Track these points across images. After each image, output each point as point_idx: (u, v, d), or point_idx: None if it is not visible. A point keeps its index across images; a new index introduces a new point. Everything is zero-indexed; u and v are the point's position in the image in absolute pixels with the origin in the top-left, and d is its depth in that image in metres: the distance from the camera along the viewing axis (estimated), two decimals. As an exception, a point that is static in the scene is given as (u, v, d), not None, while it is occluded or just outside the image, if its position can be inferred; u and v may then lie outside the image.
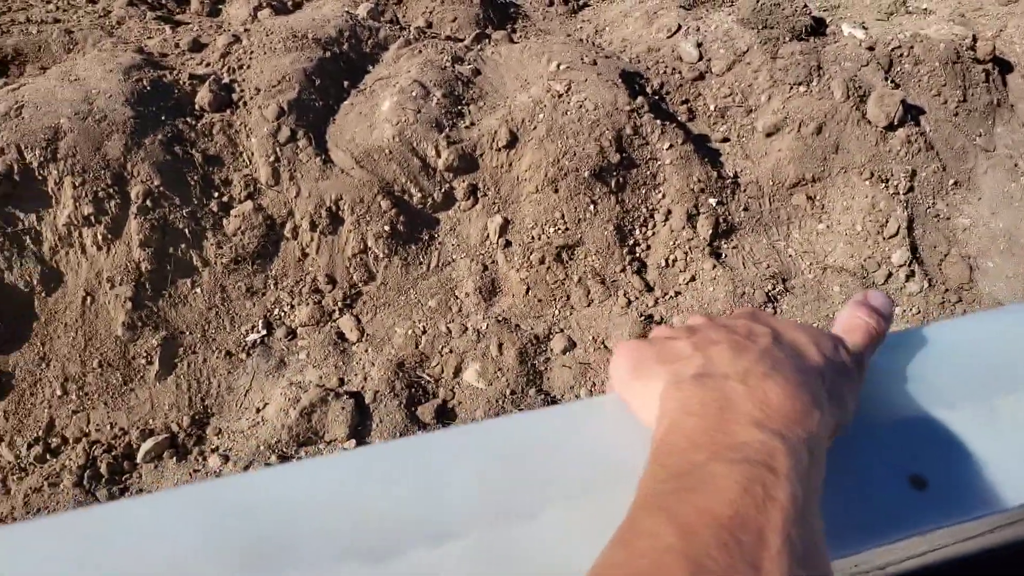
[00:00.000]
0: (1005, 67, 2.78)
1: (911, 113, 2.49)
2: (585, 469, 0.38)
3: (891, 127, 2.42)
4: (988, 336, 0.45)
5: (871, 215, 2.35)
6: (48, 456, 1.96)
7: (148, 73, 2.15)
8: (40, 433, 1.98)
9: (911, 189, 2.43)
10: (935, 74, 2.56)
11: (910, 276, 2.28)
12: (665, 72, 2.63)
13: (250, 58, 2.29)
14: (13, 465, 1.96)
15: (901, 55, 2.57)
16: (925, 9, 3.08)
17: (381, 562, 0.35)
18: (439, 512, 0.36)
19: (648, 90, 2.56)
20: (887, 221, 2.34)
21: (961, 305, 2.30)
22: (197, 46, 2.42)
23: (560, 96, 2.30)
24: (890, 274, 2.29)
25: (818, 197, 2.42)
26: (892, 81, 2.54)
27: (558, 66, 2.42)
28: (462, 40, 2.80)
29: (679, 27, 2.75)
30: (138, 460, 1.96)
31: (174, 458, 1.98)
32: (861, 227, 2.35)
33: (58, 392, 1.99)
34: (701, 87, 2.62)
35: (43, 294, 1.99)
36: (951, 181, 2.49)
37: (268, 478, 0.38)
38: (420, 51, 2.48)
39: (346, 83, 2.36)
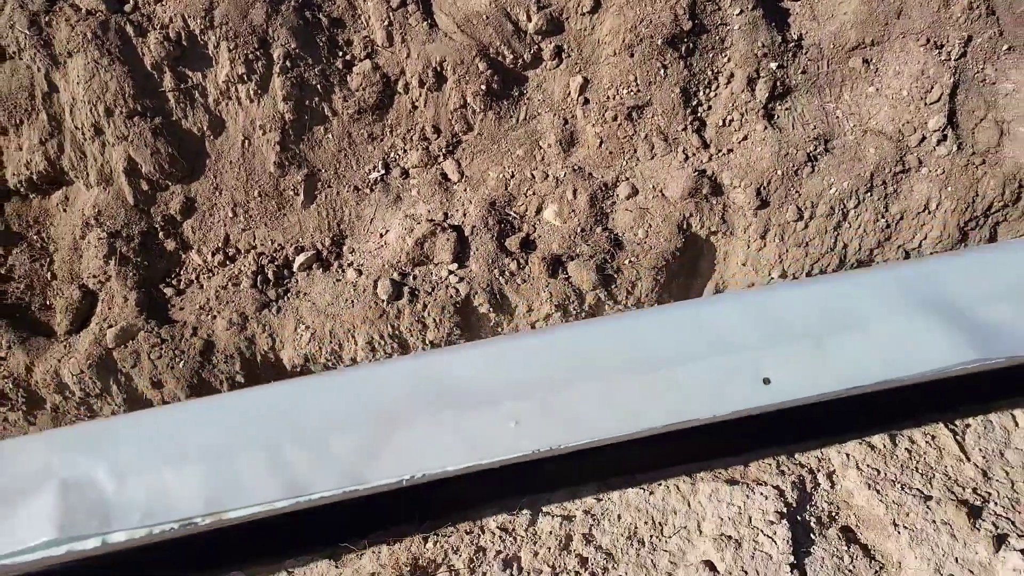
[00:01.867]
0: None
1: None
2: None
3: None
4: (829, 296, 0.88)
5: (919, 81, 2.58)
6: (227, 262, 2.59)
7: (276, -63, 2.43)
8: (220, 244, 2.59)
9: (963, 55, 2.61)
10: None
11: (942, 140, 2.57)
12: (746, -77, 2.72)
13: (361, -83, 2.52)
14: (203, 267, 2.60)
15: None
16: None
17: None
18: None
19: (727, -56, 2.68)
20: (932, 88, 2.57)
21: (984, 167, 2.60)
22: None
23: (642, -40, 2.49)
24: (924, 138, 2.58)
25: (874, 60, 2.64)
26: None
27: (642, -77, 2.56)
28: None
29: None
30: (294, 269, 2.58)
31: (320, 269, 2.58)
32: (907, 92, 2.59)
33: (230, 214, 2.57)
34: (779, -60, 2.72)
35: (212, 137, 2.49)
36: (1005, 47, 2.65)
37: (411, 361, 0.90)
38: (512, -98, 2.63)
39: (446, -59, 2.58)
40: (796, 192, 2.58)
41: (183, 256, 2.59)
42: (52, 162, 2.40)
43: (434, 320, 2.46)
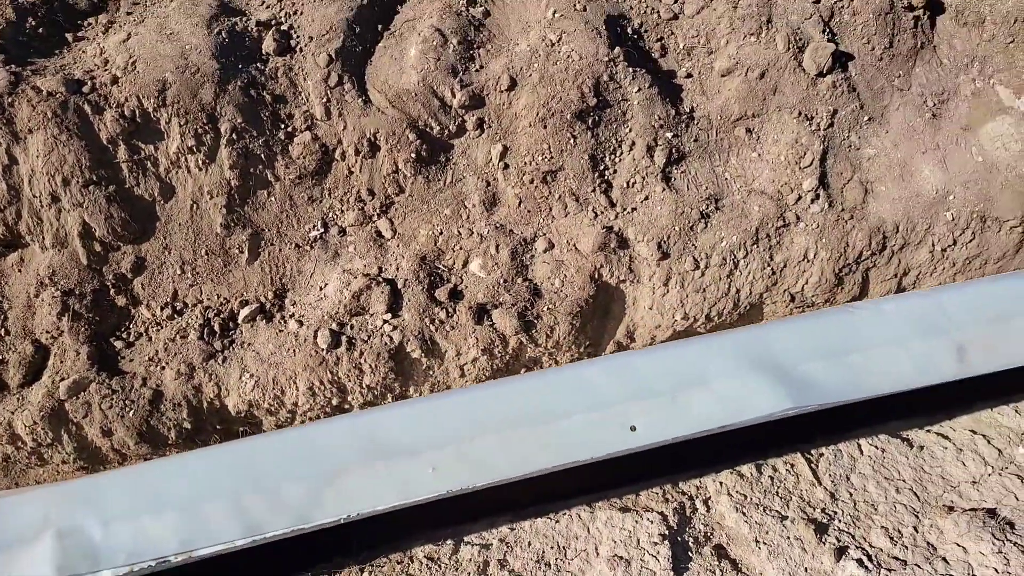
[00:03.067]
0: (937, 9, 3.24)
1: (840, 60, 3.03)
2: None
3: (821, 74, 2.98)
4: (681, 358, 1.17)
5: (793, 148, 2.98)
6: (175, 315, 2.79)
7: (224, 22, 2.70)
8: (168, 299, 2.79)
9: (831, 125, 3.03)
10: (868, 24, 3.06)
11: (815, 199, 2.96)
12: (645, 12, 3.12)
13: (302, 4, 2.82)
14: (152, 320, 2.78)
15: (841, 7, 3.05)
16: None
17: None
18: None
19: (629, 30, 3.07)
20: (805, 154, 2.98)
21: (852, 221, 3.00)
22: (254, -14, 2.92)
23: (553, 45, 2.85)
24: (800, 197, 2.96)
25: (755, 130, 3.04)
26: (830, 31, 3.04)
27: (554, 13, 2.93)
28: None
29: (661, -35, 3.18)
30: (239, 321, 2.78)
31: (264, 321, 2.80)
32: (784, 157, 2.99)
33: (178, 271, 2.77)
34: (674, 26, 3.13)
35: (162, 202, 2.71)
36: (866, 117, 3.08)
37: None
38: (438, -9, 2.98)
39: (379, 26, 2.90)
40: (692, 245, 2.92)
41: (133, 311, 2.77)
42: (10, 227, 2.58)
43: (370, 366, 2.69)
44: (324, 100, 2.74)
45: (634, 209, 2.93)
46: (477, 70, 2.85)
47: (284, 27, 2.79)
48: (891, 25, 3.10)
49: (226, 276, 2.81)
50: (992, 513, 1.85)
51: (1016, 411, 2.14)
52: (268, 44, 2.73)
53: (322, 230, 2.85)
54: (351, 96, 2.76)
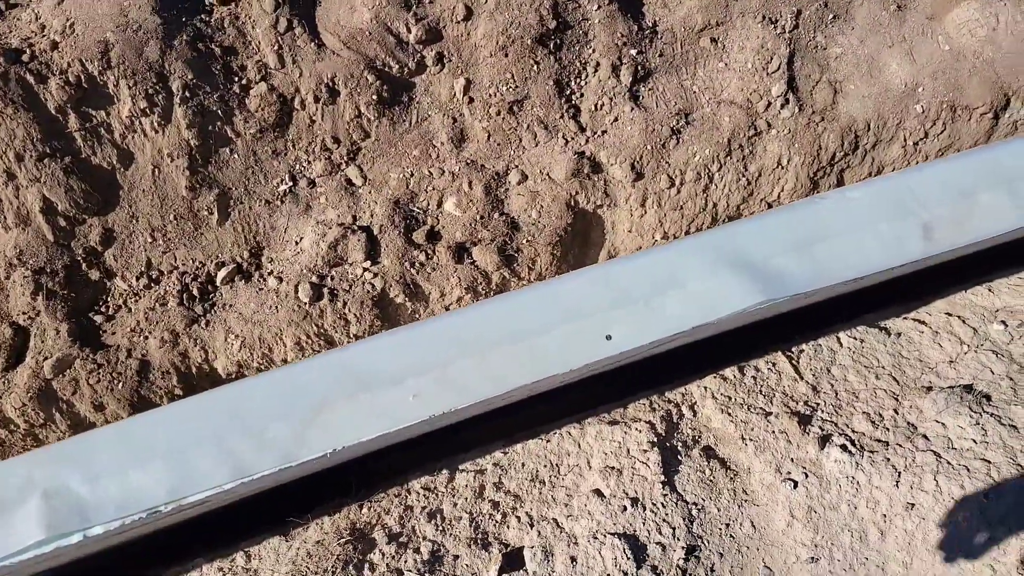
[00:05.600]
0: None
1: (802, -43, 2.95)
2: None
3: (782, -26, 2.90)
4: (656, 264, 1.17)
5: (760, 54, 2.93)
6: (152, 284, 2.75)
7: (160, -25, 2.58)
8: (143, 268, 2.74)
9: (796, 27, 2.97)
10: (827, -83, 2.96)
11: (784, 104, 2.93)
12: (597, -76, 3.01)
13: (239, -51, 2.69)
14: (129, 292, 2.75)
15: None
16: None
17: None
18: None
19: (582, -55, 2.97)
20: (772, 58, 2.93)
21: (823, 123, 2.98)
22: (187, -67, 2.78)
23: (505, -32, 2.75)
24: (769, 104, 2.93)
25: (720, 39, 2.98)
26: (789, -73, 2.95)
27: (502, -67, 2.81)
28: None
29: None
30: (218, 283, 2.75)
31: (243, 281, 2.77)
32: (751, 64, 2.94)
33: (149, 239, 2.72)
34: (629, -63, 3.02)
35: (122, 169, 2.63)
36: (831, 15, 3.03)
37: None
38: (382, -78, 2.85)
39: (323, -35, 2.77)
40: (666, 163, 2.90)
41: (108, 284, 2.73)
42: (-33, 210, 2.50)
43: (355, 315, 2.68)
44: (276, 48, 2.65)
45: (604, 132, 2.89)
46: (431, 2, 2.76)
47: (225, -26, 2.67)
48: (851, -84, 3.01)
49: (198, 239, 2.76)
50: (969, 389, 1.90)
51: (989, 290, 2.18)
52: (210, -7, 2.61)
53: (291, 183, 2.79)
54: (303, 41, 2.66)
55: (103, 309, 2.71)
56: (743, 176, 2.95)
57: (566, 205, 2.85)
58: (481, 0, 2.74)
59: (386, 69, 2.76)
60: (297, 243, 2.77)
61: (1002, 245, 2.31)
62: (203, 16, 2.62)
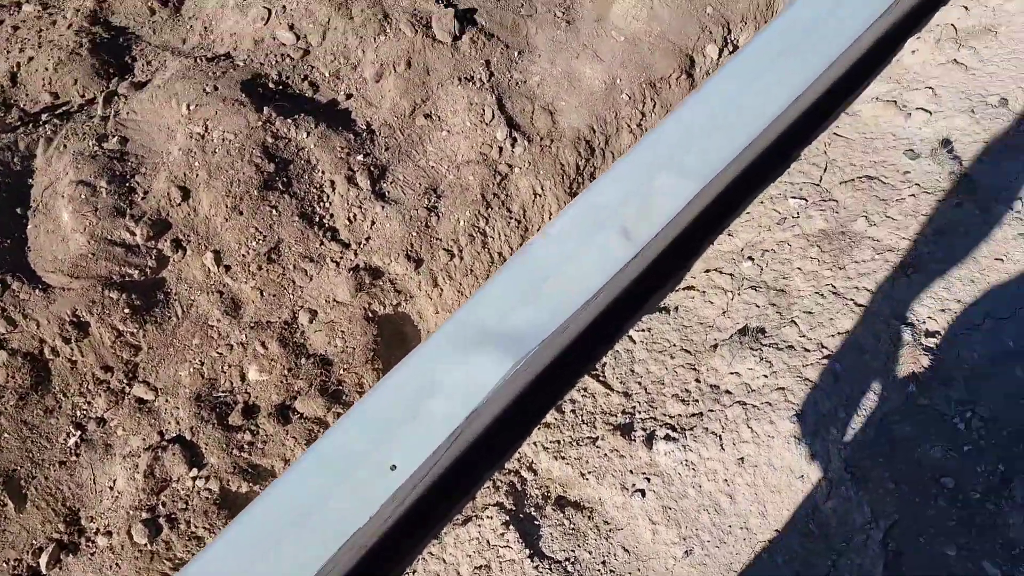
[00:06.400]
0: (522, -64, 3.49)
1: (467, 16, 3.18)
2: None
3: (457, 37, 3.11)
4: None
5: (471, 110, 3.10)
6: (-29, 611, 2.42)
7: None
8: (-48, 601, 2.41)
9: (492, 75, 3.18)
10: (471, -24, 3.22)
11: (514, 143, 3.10)
12: (278, 61, 3.10)
13: (-82, 233, 2.51)
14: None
15: (440, -27, 3.19)
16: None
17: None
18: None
19: (270, 84, 3.04)
20: (484, 110, 3.10)
21: (556, 143, 3.18)
22: None
23: (203, 137, 2.75)
24: (501, 148, 3.09)
25: (433, 113, 3.12)
26: (443, -3, 3.18)
27: (188, 107, 2.82)
28: (94, 103, 3.05)
29: (269, 12, 3.17)
30: (44, 571, 2.47)
31: (70, 555, 2.50)
32: (469, 122, 3.10)
33: (-55, 567, 2.40)
34: (311, 60, 3.13)
35: None
36: (516, 52, 3.27)
37: None
38: (65, 144, 2.77)
39: (18, 209, 2.64)
40: (437, 239, 2.96)
41: (-81, 636, 2.37)
42: None
43: (204, 527, 2.49)
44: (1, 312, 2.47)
45: (368, 238, 2.91)
46: (143, 197, 2.69)
47: (-88, 264, 2.48)
48: (490, -33, 3.30)
49: (4, 537, 2.48)
50: (744, 331, 2.04)
51: (729, 235, 2.37)
52: (-98, 290, 2.41)
53: (79, 433, 2.58)
54: (25, 293, 2.50)
55: (-78, 667, 2.34)
56: (511, 218, 3.08)
57: (365, 320, 2.83)
58: (192, 176, 2.71)
59: (127, 279, 2.64)
60: (112, 488, 2.55)
61: (715, 202, 2.54)
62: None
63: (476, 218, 3.00)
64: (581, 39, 3.39)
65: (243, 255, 2.77)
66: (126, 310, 2.61)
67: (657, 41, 3.43)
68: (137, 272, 2.66)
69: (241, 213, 2.75)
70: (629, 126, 3.33)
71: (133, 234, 2.63)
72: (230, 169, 2.72)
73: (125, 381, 2.64)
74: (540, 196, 3.13)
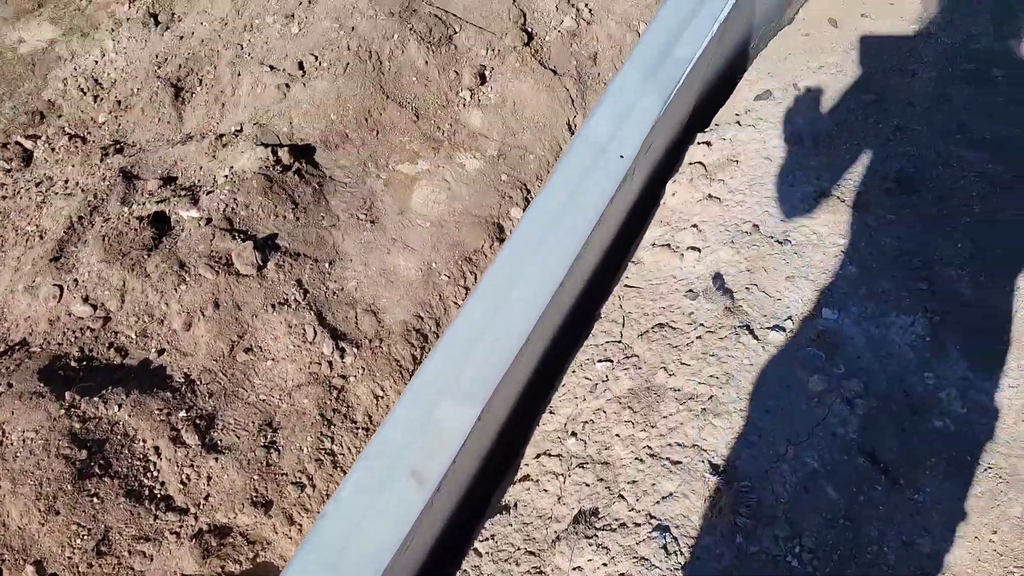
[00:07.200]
0: (308, 150, 3.64)
1: (268, 244, 3.22)
2: None
3: (261, 267, 3.13)
4: None
5: (292, 333, 3.08)
6: None
7: None
8: None
9: (306, 293, 3.19)
10: (264, 205, 3.30)
11: (343, 354, 3.08)
12: (78, 336, 2.98)
13: None
14: None
15: (235, 210, 3.25)
16: (223, 140, 3.78)
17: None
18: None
19: (73, 364, 2.91)
20: (305, 329, 3.09)
21: (384, 344, 3.18)
22: None
23: (1, 443, 2.56)
24: (331, 362, 3.06)
25: (254, 346, 3.07)
26: (240, 233, 3.22)
27: (-20, 414, 2.64)
28: None
29: (61, 289, 3.08)
30: None
31: None
32: (292, 345, 3.06)
33: None
34: (114, 326, 3.04)
35: None
36: (326, 264, 3.31)
37: None
38: None
39: None
40: (282, 475, 2.83)
41: None
42: None
43: None
44: None
45: (208, 496, 2.75)
46: (-61, 530, 2.44)
47: None
48: (283, 190, 3.39)
49: None
50: (577, 517, 2.00)
51: (551, 412, 2.38)
52: None
53: None
54: None
55: None
56: (357, 428, 3.01)
57: (221, 587, 2.61)
58: (-8, 490, 2.50)
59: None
60: None
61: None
62: None
63: (320, 440, 2.91)
64: (389, 234, 3.49)
65: (68, 558, 2.53)
66: (-67, 668, 2.29)
67: (462, 218, 3.59)
68: (-58, 619, 2.36)
69: (58, 513, 2.53)
70: (456, 303, 3.41)
71: (-70, 577, 2.35)
72: (36, 470, 2.53)
73: None
74: (383, 397, 3.09)
